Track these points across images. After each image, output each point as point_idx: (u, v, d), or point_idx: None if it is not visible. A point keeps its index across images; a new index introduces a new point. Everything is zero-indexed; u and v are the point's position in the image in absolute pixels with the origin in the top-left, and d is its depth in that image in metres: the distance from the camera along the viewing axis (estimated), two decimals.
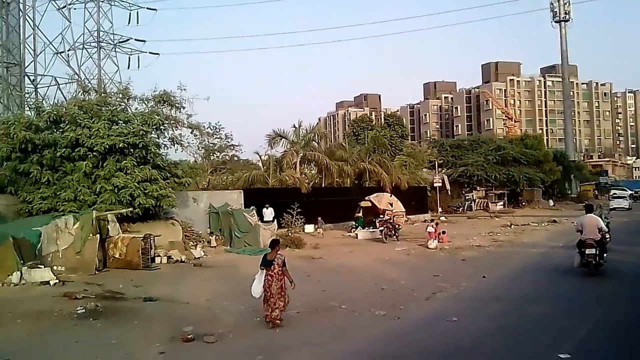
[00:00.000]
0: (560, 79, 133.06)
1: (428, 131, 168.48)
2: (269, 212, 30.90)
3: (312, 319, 13.17)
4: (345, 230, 35.80)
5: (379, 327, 12.35)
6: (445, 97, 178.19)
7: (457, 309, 13.73)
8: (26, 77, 31.25)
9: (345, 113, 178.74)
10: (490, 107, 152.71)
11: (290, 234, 28.58)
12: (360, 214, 35.79)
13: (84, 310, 13.67)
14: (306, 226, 33.15)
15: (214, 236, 28.57)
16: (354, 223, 35.81)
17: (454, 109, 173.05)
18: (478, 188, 63.65)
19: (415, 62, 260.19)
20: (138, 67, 41.31)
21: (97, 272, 19.91)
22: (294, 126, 43.02)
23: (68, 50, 35.40)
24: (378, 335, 11.72)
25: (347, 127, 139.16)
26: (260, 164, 47.07)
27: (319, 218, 34.39)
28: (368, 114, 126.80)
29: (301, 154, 41.57)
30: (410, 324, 12.67)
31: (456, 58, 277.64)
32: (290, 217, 29.65)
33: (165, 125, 25.47)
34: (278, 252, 12.56)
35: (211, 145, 51.98)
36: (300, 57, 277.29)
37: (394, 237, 31.12)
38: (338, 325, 12.50)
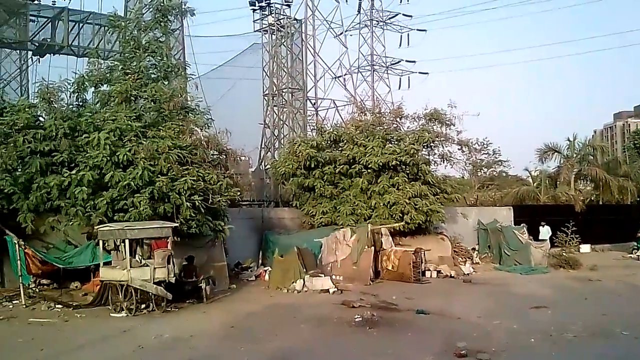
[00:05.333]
0: None
1: None
2: (545, 231, 29.66)
3: (591, 344, 12.40)
4: (625, 252, 32.94)
5: None
6: None
7: None
8: (308, 101, 34.38)
9: (624, 124, 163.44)
10: None
11: (564, 254, 27.18)
12: None
13: (360, 319, 14.60)
14: (582, 246, 31.18)
15: (475, 252, 28.48)
16: (634, 244, 32.83)
17: None
18: None
19: None
20: (408, 87, 42.36)
21: (371, 283, 21.22)
22: (568, 139, 40.98)
23: (345, 75, 37.87)
24: None
25: (626, 139, 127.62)
26: (530, 180, 45.64)
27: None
28: None
29: (576, 169, 39.31)
30: None
31: None
32: (565, 235, 28.12)
33: (435, 142, 26.09)
34: None
35: (479, 161, 51.69)
36: (574, 67, 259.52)
37: None
38: (619, 353, 11.69)
